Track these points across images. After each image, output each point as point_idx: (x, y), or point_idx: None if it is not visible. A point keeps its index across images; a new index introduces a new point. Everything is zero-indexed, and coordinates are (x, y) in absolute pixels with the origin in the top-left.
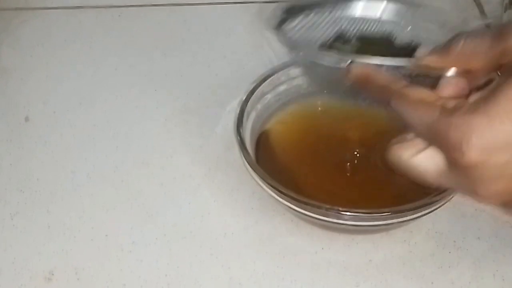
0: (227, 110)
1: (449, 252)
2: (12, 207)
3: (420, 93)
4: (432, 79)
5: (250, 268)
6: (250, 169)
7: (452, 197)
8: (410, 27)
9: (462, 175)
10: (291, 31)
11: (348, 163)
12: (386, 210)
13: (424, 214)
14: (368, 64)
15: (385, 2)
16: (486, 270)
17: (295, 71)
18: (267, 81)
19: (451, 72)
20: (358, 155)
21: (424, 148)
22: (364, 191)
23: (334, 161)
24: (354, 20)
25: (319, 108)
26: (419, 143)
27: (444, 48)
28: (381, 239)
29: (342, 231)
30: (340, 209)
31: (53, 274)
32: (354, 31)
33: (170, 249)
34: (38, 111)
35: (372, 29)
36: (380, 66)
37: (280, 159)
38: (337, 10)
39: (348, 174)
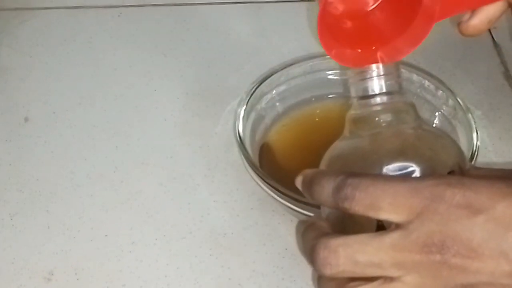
0: (227, 110)
1: None
2: (11, 207)
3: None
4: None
5: (250, 269)
6: (250, 169)
7: None
8: None
9: None
10: None
11: None
12: None
13: None
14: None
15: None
16: None
17: (295, 71)
18: (267, 81)
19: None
20: None
21: None
22: None
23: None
24: None
25: (320, 112)
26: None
27: None
28: None
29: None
30: None
31: (52, 274)
32: None
33: (169, 249)
34: (37, 111)
35: None
36: None
37: (281, 162)
38: None
39: None
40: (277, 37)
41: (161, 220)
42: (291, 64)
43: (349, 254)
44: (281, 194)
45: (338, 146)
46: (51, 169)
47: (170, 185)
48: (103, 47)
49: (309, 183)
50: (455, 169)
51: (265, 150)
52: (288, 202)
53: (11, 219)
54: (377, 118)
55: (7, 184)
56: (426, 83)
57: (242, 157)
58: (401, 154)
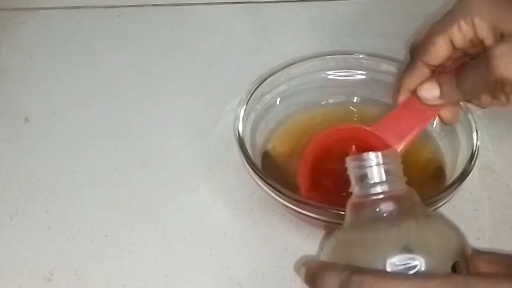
0: (227, 110)
1: None
2: (11, 207)
3: None
4: None
5: (250, 268)
6: (249, 169)
7: (451, 197)
8: None
9: None
10: None
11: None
12: None
13: None
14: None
15: None
16: None
17: (294, 71)
18: (267, 81)
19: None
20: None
21: None
22: None
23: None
24: None
25: (320, 113)
26: None
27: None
28: None
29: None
30: (340, 209)
31: (52, 274)
32: None
33: (169, 249)
34: (37, 111)
35: None
36: None
37: (281, 163)
38: None
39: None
40: (277, 37)
41: (161, 220)
42: (291, 64)
43: None
44: (281, 194)
45: (340, 238)
46: (51, 169)
47: (170, 185)
48: (103, 47)
49: (313, 277)
50: (459, 257)
51: (267, 157)
52: (288, 202)
53: (11, 219)
54: (378, 209)
55: (7, 184)
56: None
57: (242, 157)
58: (404, 246)
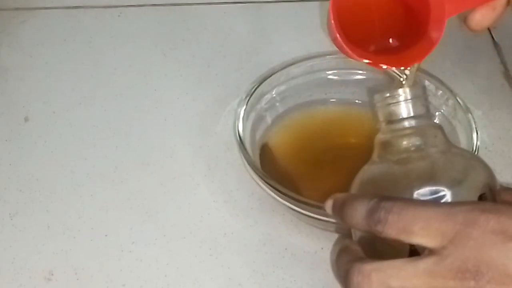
0: (227, 110)
1: None
2: (11, 207)
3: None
4: None
5: (250, 268)
6: (249, 169)
7: None
8: None
9: None
10: None
11: (347, 166)
12: None
13: None
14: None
15: None
16: None
17: (295, 71)
18: (267, 81)
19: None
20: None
21: None
22: None
23: (334, 164)
24: None
25: (320, 112)
26: None
27: None
28: None
29: (341, 231)
30: None
31: (52, 274)
32: None
33: (169, 249)
34: (37, 111)
35: None
36: None
37: (281, 163)
38: None
39: (347, 177)
40: (277, 37)
41: (161, 220)
42: (291, 64)
43: (382, 279)
44: (281, 194)
45: (368, 171)
46: (51, 169)
47: (170, 185)
48: (103, 47)
49: (341, 207)
50: (485, 191)
51: (265, 151)
52: (288, 202)
53: (11, 219)
54: (405, 143)
55: (7, 184)
56: (426, 83)
57: (242, 157)
58: (431, 178)
